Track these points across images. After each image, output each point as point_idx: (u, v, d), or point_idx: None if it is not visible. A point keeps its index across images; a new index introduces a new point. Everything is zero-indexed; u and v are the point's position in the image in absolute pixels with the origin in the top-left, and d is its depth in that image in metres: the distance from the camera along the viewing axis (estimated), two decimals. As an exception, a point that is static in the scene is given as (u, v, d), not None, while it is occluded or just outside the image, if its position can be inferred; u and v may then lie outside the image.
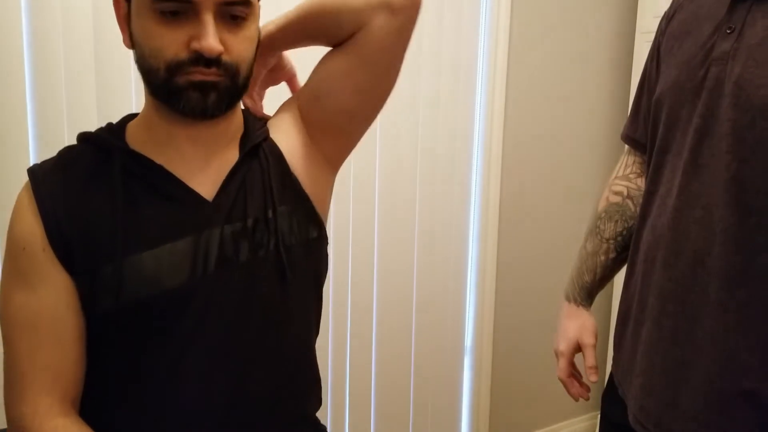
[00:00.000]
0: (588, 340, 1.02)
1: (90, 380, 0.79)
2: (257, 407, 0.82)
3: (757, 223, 0.78)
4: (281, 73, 0.96)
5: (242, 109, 0.90)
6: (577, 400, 1.08)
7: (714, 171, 0.81)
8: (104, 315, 0.75)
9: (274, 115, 0.93)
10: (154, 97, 0.78)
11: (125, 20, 0.77)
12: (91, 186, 0.76)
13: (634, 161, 1.08)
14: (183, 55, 0.72)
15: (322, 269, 0.92)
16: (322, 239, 0.90)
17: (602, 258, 1.05)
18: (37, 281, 0.74)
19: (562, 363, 1.07)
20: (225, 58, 0.73)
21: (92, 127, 0.84)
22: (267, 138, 0.87)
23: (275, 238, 0.81)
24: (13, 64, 1.29)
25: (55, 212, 0.75)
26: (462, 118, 1.96)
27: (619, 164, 1.11)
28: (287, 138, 0.89)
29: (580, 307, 1.06)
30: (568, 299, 1.10)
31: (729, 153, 0.80)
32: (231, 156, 0.83)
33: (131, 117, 0.85)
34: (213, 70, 0.73)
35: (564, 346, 1.07)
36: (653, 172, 0.93)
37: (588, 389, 1.08)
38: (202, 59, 0.72)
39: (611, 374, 1.04)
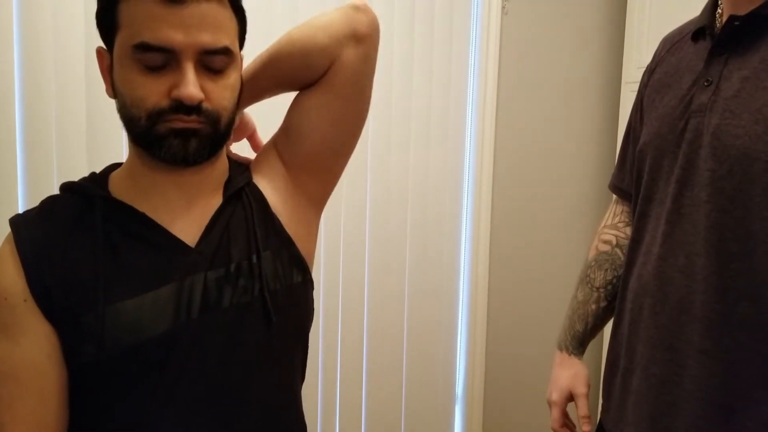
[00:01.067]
0: (580, 389, 1.02)
1: (74, 430, 0.78)
2: None
3: (737, 270, 0.79)
4: (242, 130, 0.98)
5: (228, 156, 0.91)
6: None
7: (695, 220, 0.83)
8: (87, 364, 0.74)
9: (254, 161, 0.94)
10: (136, 145, 0.79)
11: (108, 71, 0.78)
12: (73, 235, 0.76)
13: (622, 210, 1.11)
14: (164, 103, 0.73)
15: (308, 314, 0.92)
16: (307, 283, 0.89)
17: (593, 307, 1.07)
18: (18, 332, 0.73)
19: (555, 413, 1.07)
20: (206, 105, 0.74)
21: (82, 174, 0.85)
22: (250, 182, 0.88)
23: (259, 284, 0.81)
24: (4, 113, 1.31)
25: (37, 262, 0.74)
26: (453, 147, 1.98)
27: (608, 213, 1.13)
28: (269, 182, 0.90)
29: (572, 356, 1.06)
30: (560, 348, 1.10)
31: (708, 202, 0.82)
32: (215, 201, 0.84)
33: (115, 166, 0.85)
34: (193, 117, 0.74)
35: (556, 395, 1.07)
36: (638, 220, 0.95)
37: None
38: (182, 107, 0.73)
39: (600, 420, 1.05)
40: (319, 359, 1.77)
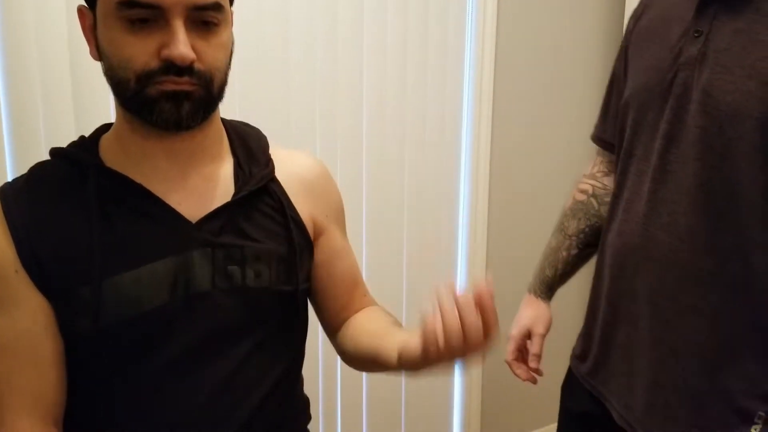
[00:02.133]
0: (538, 329, 1.03)
1: (71, 402, 0.77)
2: (242, 430, 0.80)
3: (725, 228, 0.78)
4: None
5: (231, 125, 0.88)
6: (524, 380, 1.09)
7: (682, 178, 0.81)
8: (82, 337, 0.73)
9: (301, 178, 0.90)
10: (125, 110, 0.75)
11: (91, 31, 0.74)
12: (65, 205, 0.74)
13: (602, 161, 1.09)
14: (153, 64, 0.69)
15: (306, 319, 0.92)
16: (300, 293, 0.86)
17: (564, 254, 1.08)
18: (11, 304, 0.72)
19: (510, 346, 1.09)
20: (198, 66, 0.71)
21: (70, 138, 0.82)
22: (273, 178, 0.86)
23: (253, 271, 0.80)
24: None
25: (28, 233, 0.72)
26: (450, 111, 1.95)
27: (590, 163, 1.13)
28: (307, 205, 0.89)
29: (539, 299, 1.07)
30: (529, 291, 1.12)
31: (698, 160, 0.79)
32: (209, 171, 0.81)
33: (105, 129, 0.82)
34: (185, 79, 0.70)
35: (515, 331, 1.09)
36: (620, 175, 0.93)
37: (537, 374, 1.09)
38: (173, 68, 0.69)
39: (571, 370, 1.06)
40: (319, 333, 1.77)
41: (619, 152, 0.94)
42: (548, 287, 1.08)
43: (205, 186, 0.80)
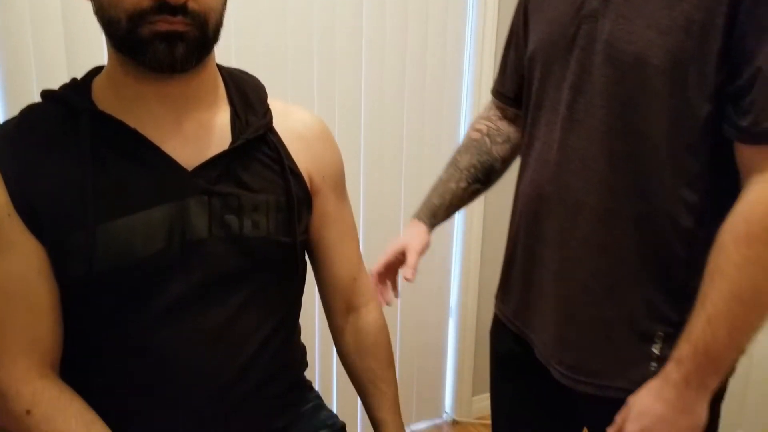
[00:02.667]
0: (414, 245, 1.03)
1: (66, 349, 0.77)
2: (240, 381, 0.80)
3: (628, 170, 0.83)
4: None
5: (228, 72, 0.86)
6: (383, 302, 1.08)
7: (589, 126, 0.85)
8: (76, 283, 0.73)
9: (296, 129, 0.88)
10: (117, 51, 0.73)
11: None
12: (57, 149, 0.73)
13: (496, 106, 1.14)
14: (145, 3, 0.67)
15: (304, 272, 0.91)
16: (297, 246, 0.86)
17: (452, 185, 1.09)
18: (4, 248, 0.71)
19: (380, 259, 1.08)
20: (192, 6, 0.69)
21: (62, 79, 0.79)
22: (272, 128, 0.84)
23: (251, 221, 0.79)
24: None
25: (19, 177, 0.71)
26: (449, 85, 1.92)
27: (485, 107, 1.17)
28: (308, 162, 0.87)
29: (421, 222, 1.08)
30: (413, 217, 1.12)
31: (603, 108, 0.84)
32: (205, 118, 0.79)
33: (97, 71, 0.80)
34: (179, 18, 0.68)
35: (390, 247, 1.08)
36: (530, 127, 0.97)
37: (392, 296, 1.09)
38: (166, 7, 0.67)
39: (496, 315, 1.12)
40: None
41: (528, 105, 0.98)
42: (433, 214, 1.08)
43: (201, 133, 0.78)
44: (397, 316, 2.01)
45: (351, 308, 0.96)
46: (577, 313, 0.90)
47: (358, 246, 0.97)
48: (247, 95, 0.84)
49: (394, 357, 0.99)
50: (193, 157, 0.77)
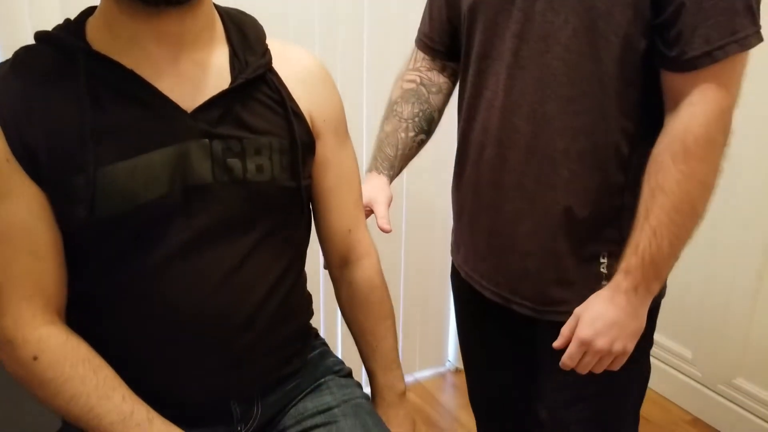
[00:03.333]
0: (380, 198, 1.03)
1: (74, 295, 0.77)
2: (247, 328, 0.80)
3: (575, 111, 0.88)
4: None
5: (226, 11, 0.83)
6: None
7: (536, 71, 0.89)
8: (79, 229, 0.72)
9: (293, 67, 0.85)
10: None
11: None
12: (54, 92, 0.71)
13: (423, 58, 1.13)
14: None
15: (308, 219, 0.91)
16: (302, 190, 0.84)
17: (402, 135, 1.09)
18: (4, 194, 0.70)
19: None
20: None
21: (55, 21, 0.76)
22: (271, 68, 0.81)
23: (254, 165, 0.78)
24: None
25: (15, 120, 0.69)
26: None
27: (407, 62, 1.15)
28: (310, 102, 0.85)
29: (381, 174, 1.07)
30: (369, 170, 1.11)
31: (547, 53, 0.88)
32: (202, 57, 0.77)
33: (90, 11, 0.77)
34: None
35: None
36: (476, 77, 0.99)
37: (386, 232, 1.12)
38: None
39: (453, 266, 1.16)
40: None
41: (469, 55, 1.00)
42: (390, 165, 1.07)
43: (199, 73, 0.76)
44: (401, 265, 2.01)
45: (345, 261, 0.95)
46: (535, 249, 0.96)
47: (359, 198, 0.95)
48: (245, 34, 0.81)
49: (397, 306, 0.99)
50: (192, 98, 0.75)
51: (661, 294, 0.97)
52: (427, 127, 1.10)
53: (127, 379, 0.75)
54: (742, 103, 0.86)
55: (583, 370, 0.89)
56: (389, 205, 1.04)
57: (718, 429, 1.91)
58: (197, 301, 0.76)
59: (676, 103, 0.83)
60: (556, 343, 0.90)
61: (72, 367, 0.72)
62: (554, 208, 0.93)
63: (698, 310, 1.91)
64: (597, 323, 0.86)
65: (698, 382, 1.95)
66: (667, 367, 2.04)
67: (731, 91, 0.81)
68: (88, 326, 0.77)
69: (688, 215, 0.83)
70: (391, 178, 1.07)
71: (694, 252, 1.85)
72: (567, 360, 0.88)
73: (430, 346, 2.18)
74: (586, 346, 0.86)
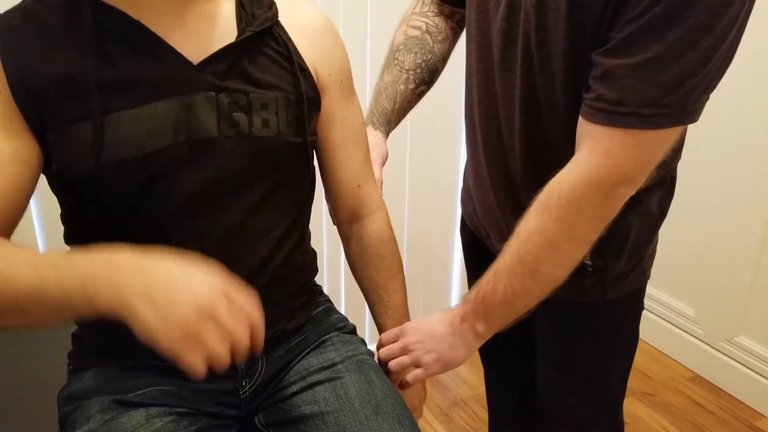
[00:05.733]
0: (376, 158, 1.01)
1: (77, 242, 0.77)
2: (251, 283, 0.78)
3: (535, 97, 0.81)
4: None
5: None
6: None
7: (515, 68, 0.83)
8: (84, 178, 0.71)
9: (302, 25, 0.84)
10: None
11: None
12: (61, 42, 0.70)
13: (432, 1, 1.07)
14: None
15: (313, 175, 0.89)
16: (307, 146, 0.83)
17: (402, 87, 1.05)
18: None
19: None
20: None
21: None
22: (278, 21, 0.80)
23: (260, 119, 0.77)
24: None
25: (20, 63, 0.69)
26: None
27: (414, 2, 1.10)
28: (315, 57, 0.83)
29: (378, 130, 1.05)
30: (365, 124, 1.08)
31: (524, 49, 0.80)
32: (207, 9, 0.76)
33: None
34: None
35: None
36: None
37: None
38: None
39: (462, 215, 1.15)
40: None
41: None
42: (387, 120, 1.04)
43: (205, 25, 0.75)
44: (404, 221, 2.00)
45: (355, 217, 0.94)
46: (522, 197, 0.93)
47: (366, 152, 0.94)
48: None
49: (402, 259, 0.98)
50: (198, 50, 0.74)
51: (645, 276, 0.97)
52: (429, 78, 1.07)
53: (126, 335, 0.75)
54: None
55: (395, 367, 0.88)
56: (384, 163, 1.02)
57: (719, 386, 1.93)
58: (203, 255, 0.75)
59: (576, 152, 0.76)
60: (381, 340, 0.92)
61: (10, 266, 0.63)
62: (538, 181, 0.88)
63: (702, 267, 1.91)
64: (420, 331, 0.87)
65: (700, 340, 1.96)
66: (669, 325, 2.05)
67: (620, 166, 0.71)
68: None
69: (528, 271, 0.78)
70: (387, 134, 1.05)
71: (698, 209, 1.86)
72: (383, 353, 0.90)
73: (434, 303, 2.19)
74: (406, 350, 0.87)
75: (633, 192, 0.76)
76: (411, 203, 1.98)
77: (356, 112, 0.91)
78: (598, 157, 0.73)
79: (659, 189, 0.90)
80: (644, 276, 0.97)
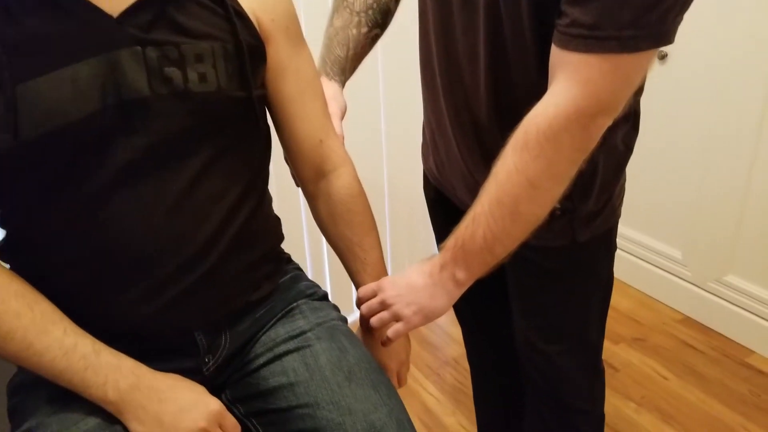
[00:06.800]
0: (335, 110, 0.96)
1: (11, 227, 0.72)
2: (206, 255, 0.75)
3: (500, 48, 0.78)
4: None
5: None
6: None
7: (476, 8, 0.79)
8: (5, 155, 0.64)
9: None
10: None
11: None
12: None
13: None
14: None
15: (261, 131, 0.82)
16: (254, 101, 0.77)
17: (354, 32, 0.99)
18: None
19: None
20: None
21: None
22: None
23: (196, 73, 0.70)
24: None
25: None
26: None
27: None
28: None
29: (332, 81, 0.99)
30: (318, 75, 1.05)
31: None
32: None
33: None
34: None
35: None
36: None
37: None
38: None
39: (424, 172, 1.12)
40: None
41: None
42: (341, 69, 0.98)
43: None
44: (384, 180, 1.95)
45: (320, 174, 0.89)
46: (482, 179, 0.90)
47: (324, 105, 0.88)
48: None
49: (383, 224, 0.93)
50: (117, 1, 0.67)
51: (615, 216, 0.94)
52: (382, 20, 1.00)
53: (76, 317, 0.70)
54: None
55: (376, 323, 0.84)
56: (343, 116, 0.96)
57: (709, 326, 1.92)
58: (145, 230, 0.70)
59: (550, 84, 0.72)
60: (359, 294, 0.88)
61: (3, 302, 0.66)
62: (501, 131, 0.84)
63: (689, 209, 1.88)
64: (398, 284, 0.83)
65: (688, 282, 1.94)
66: (656, 269, 2.02)
67: (599, 95, 0.68)
68: (28, 263, 0.71)
69: (509, 212, 0.74)
70: (343, 83, 0.99)
71: (683, 150, 1.82)
72: (364, 309, 0.86)
73: (419, 257, 2.14)
74: (384, 305, 0.83)
75: (610, 122, 0.72)
76: (389, 154, 1.92)
77: (308, 61, 0.85)
78: (576, 86, 0.68)
79: (623, 124, 0.86)
80: (614, 216, 0.94)
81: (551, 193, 0.74)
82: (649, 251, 2.03)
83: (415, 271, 0.83)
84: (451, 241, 0.79)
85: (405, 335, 0.92)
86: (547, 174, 0.72)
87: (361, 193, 0.90)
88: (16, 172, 0.67)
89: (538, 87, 0.73)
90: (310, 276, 0.99)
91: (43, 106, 0.63)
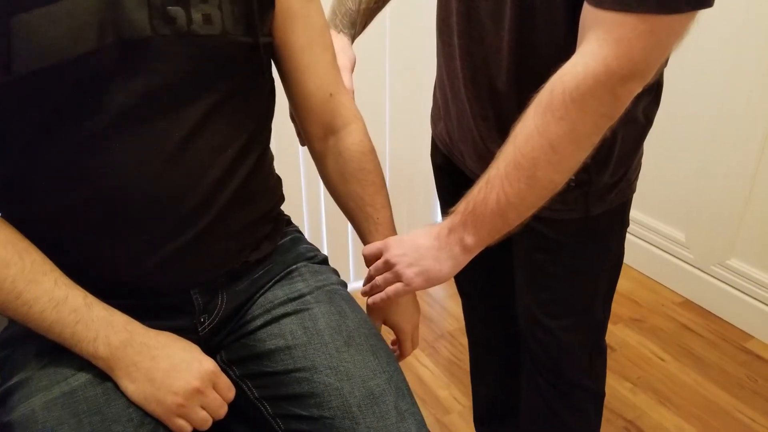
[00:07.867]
0: (345, 63, 0.93)
1: (5, 167, 0.68)
2: (204, 210, 0.72)
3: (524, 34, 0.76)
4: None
5: None
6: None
7: None
8: None
9: None
10: None
11: None
12: None
13: None
14: None
15: (263, 82, 0.78)
16: (260, 48, 0.73)
17: None
18: None
19: None
20: None
21: None
22: None
23: (201, 14, 0.66)
24: None
25: None
26: None
27: None
28: None
29: (341, 33, 0.96)
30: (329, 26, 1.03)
31: None
32: None
33: None
34: None
35: None
36: None
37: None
38: None
39: (432, 138, 1.09)
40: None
41: None
42: (351, 22, 0.95)
43: None
44: (386, 132, 1.91)
45: (330, 131, 0.85)
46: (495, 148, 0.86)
47: (334, 57, 0.84)
48: None
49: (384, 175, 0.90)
50: None
51: (631, 189, 0.92)
52: None
53: (69, 269, 0.67)
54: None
55: (381, 282, 0.81)
56: (353, 70, 0.92)
57: (709, 309, 1.90)
58: (143, 180, 0.67)
59: (579, 45, 0.69)
60: (364, 253, 0.85)
61: None
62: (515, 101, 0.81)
63: (692, 192, 1.85)
64: (404, 244, 0.80)
65: (690, 264, 1.92)
66: (658, 251, 2.00)
67: (632, 57, 0.64)
68: (19, 211, 0.68)
69: (525, 176, 0.70)
70: (353, 38, 0.95)
71: (691, 133, 1.78)
72: (372, 270, 0.83)
73: (418, 210, 2.12)
74: (389, 264, 0.80)
75: (640, 89, 0.68)
76: (392, 120, 1.88)
77: (319, 11, 0.80)
78: (608, 46, 0.64)
79: (646, 96, 0.83)
80: (629, 190, 0.91)
81: (571, 159, 0.71)
82: (652, 232, 2.00)
83: (424, 232, 0.80)
84: (461, 205, 0.76)
85: (413, 297, 0.89)
86: (570, 138, 0.69)
87: (372, 150, 0.87)
88: (8, 112, 0.63)
89: (563, 51, 0.69)
90: (308, 241, 0.97)
91: (38, 39, 0.60)
